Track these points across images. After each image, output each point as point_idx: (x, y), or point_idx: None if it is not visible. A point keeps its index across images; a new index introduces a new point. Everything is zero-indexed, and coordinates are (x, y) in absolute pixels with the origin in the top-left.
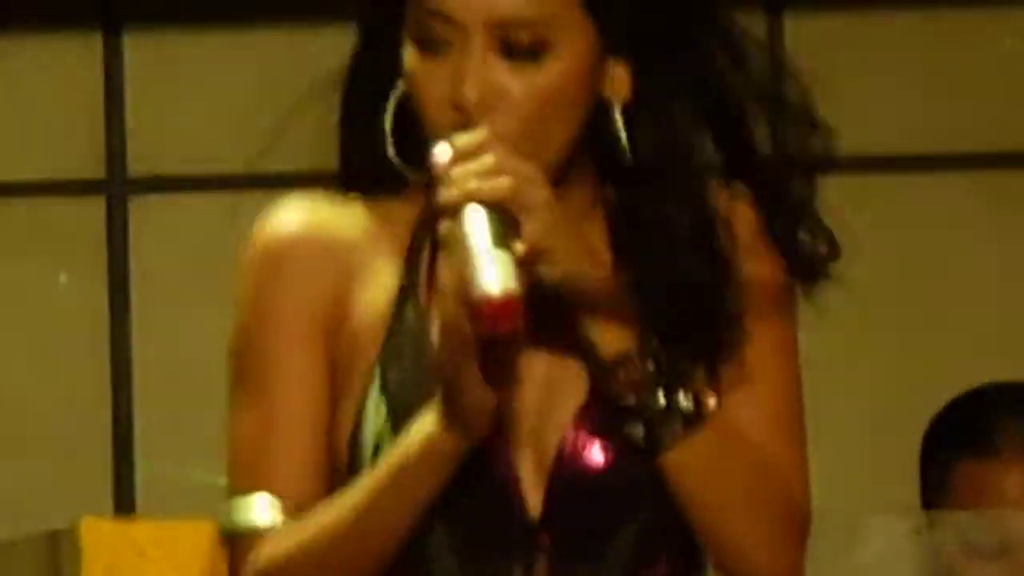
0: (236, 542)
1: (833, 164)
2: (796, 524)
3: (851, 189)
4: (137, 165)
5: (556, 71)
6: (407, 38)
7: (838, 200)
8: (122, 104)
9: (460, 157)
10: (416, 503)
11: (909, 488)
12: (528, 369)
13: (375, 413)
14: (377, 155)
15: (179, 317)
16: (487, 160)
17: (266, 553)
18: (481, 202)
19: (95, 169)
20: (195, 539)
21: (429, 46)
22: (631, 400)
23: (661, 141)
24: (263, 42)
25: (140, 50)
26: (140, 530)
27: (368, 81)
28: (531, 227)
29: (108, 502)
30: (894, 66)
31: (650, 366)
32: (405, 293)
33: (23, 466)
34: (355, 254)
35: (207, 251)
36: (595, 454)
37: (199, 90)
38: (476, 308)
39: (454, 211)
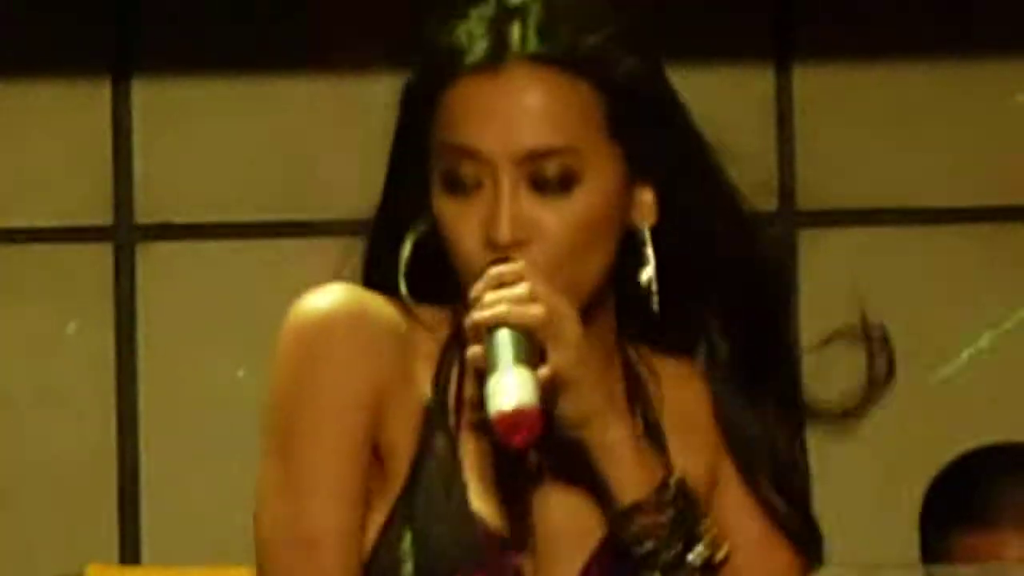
0: None
1: (842, 217)
2: None
3: (858, 242)
4: (145, 212)
5: (587, 201)
6: (435, 177)
7: (845, 253)
8: (130, 151)
9: (495, 284)
10: None
11: (912, 544)
12: (543, 508)
13: (396, 539)
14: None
15: (186, 365)
16: (521, 288)
17: None
18: (511, 327)
19: (103, 216)
20: None
21: (457, 186)
22: (648, 547)
23: (695, 256)
24: (272, 90)
25: (149, 97)
26: None
27: (391, 220)
28: (557, 357)
29: (114, 550)
30: (903, 119)
31: (668, 514)
32: (433, 417)
33: (29, 514)
34: (397, 345)
35: (215, 299)
36: None
37: (207, 137)
38: (491, 420)
39: (484, 333)
